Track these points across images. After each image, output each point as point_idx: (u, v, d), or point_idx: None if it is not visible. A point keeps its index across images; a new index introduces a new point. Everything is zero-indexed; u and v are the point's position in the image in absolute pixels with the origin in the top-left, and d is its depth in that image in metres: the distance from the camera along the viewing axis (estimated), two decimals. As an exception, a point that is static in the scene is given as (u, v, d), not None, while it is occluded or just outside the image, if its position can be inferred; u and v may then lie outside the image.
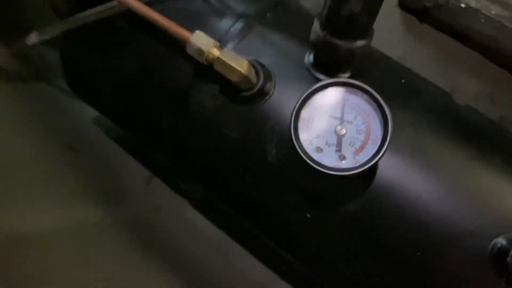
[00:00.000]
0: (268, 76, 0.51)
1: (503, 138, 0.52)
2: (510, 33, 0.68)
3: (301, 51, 0.52)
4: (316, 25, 0.47)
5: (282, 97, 0.50)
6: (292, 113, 0.43)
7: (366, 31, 0.46)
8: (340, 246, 0.50)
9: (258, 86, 0.49)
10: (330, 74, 0.50)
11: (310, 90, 0.43)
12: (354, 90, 0.43)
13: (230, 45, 0.52)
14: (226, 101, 0.51)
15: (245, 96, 0.50)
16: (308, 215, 0.49)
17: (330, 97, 0.44)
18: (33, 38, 0.59)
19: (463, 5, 0.70)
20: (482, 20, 0.69)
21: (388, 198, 0.47)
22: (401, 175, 0.47)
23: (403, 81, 0.52)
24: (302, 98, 0.43)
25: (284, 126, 0.47)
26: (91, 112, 0.68)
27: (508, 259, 0.42)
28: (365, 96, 0.43)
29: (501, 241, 0.44)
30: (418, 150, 0.48)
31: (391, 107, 0.49)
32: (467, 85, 0.75)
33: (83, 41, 0.59)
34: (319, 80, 0.50)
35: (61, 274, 0.51)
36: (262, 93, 0.50)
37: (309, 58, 0.51)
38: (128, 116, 0.61)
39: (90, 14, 0.55)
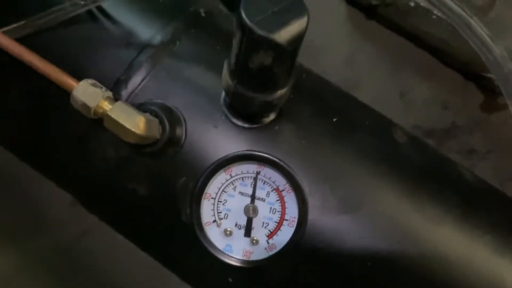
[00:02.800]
0: (178, 123, 0.43)
1: (444, 179, 0.47)
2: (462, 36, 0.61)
3: (218, 88, 0.44)
4: (225, 72, 0.39)
5: (195, 147, 0.43)
6: (192, 193, 0.36)
7: (285, 81, 0.38)
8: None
9: (164, 141, 0.41)
10: (250, 120, 0.43)
11: (213, 166, 0.36)
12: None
13: (130, 86, 0.44)
14: (131, 153, 0.44)
15: (150, 151, 0.42)
16: (230, 280, 0.44)
17: (239, 170, 0.37)
18: None
19: (412, 4, 0.62)
20: (434, 21, 0.62)
21: (320, 262, 0.41)
22: (331, 238, 0.42)
23: (335, 119, 0.45)
24: (204, 175, 0.36)
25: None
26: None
27: None
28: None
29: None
30: (351, 207, 0.42)
31: (319, 154, 0.43)
32: (418, 89, 0.69)
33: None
34: (237, 126, 0.43)
35: None
36: (171, 144, 0.43)
37: (225, 98, 0.44)
38: (27, 154, 0.52)
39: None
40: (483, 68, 0.62)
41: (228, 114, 0.43)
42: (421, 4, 0.62)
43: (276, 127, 0.43)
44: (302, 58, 0.59)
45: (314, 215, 0.41)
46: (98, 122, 0.45)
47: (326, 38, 0.70)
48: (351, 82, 0.70)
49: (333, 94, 0.49)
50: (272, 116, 0.44)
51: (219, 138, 0.42)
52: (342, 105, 0.48)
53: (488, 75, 0.62)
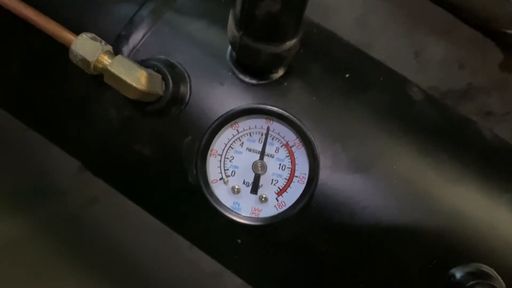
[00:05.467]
0: (182, 80, 0.41)
1: (462, 137, 0.44)
2: (483, -10, 0.58)
3: (223, 43, 0.42)
4: (231, 22, 0.37)
5: (200, 105, 0.41)
6: (198, 149, 0.34)
7: (294, 32, 0.36)
8: (277, 271, 0.44)
9: (167, 98, 0.40)
10: (258, 76, 0.41)
11: (219, 121, 0.34)
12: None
13: (132, 41, 0.42)
14: (134, 112, 0.42)
15: (154, 109, 0.40)
16: (239, 241, 0.42)
17: (246, 125, 0.35)
18: None
19: (429, -43, 0.58)
20: (451, -25, 0.58)
21: (329, 222, 0.40)
22: (343, 197, 0.40)
23: (347, 75, 0.43)
24: (210, 130, 0.34)
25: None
26: None
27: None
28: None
29: (454, 273, 0.39)
30: (363, 166, 0.40)
31: (331, 111, 0.41)
32: (433, 48, 0.66)
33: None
34: (244, 82, 0.41)
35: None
36: (175, 102, 0.41)
37: (232, 53, 0.42)
38: (30, 119, 0.51)
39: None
40: (504, 24, 0.59)
41: (235, 70, 0.41)
42: (438, -44, 0.58)
43: (285, 83, 0.41)
44: (312, 17, 0.56)
45: (325, 174, 0.39)
46: (98, 82, 0.43)
47: (338, -4, 0.67)
48: (362, 43, 0.67)
49: (345, 50, 0.47)
50: (281, 72, 0.41)
51: (226, 95, 0.40)
52: (355, 62, 0.46)
53: (510, 31, 0.58)
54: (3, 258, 0.55)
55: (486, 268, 0.38)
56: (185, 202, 0.43)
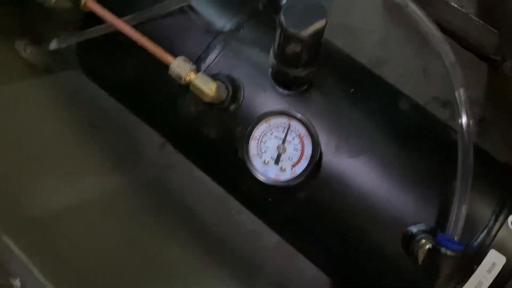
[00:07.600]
0: (238, 88, 0.62)
1: (438, 136, 0.62)
2: (476, 25, 0.75)
3: (267, 65, 0.62)
4: (271, 54, 0.57)
5: (250, 105, 0.62)
6: (244, 136, 0.55)
7: (312, 62, 0.56)
8: (296, 221, 0.64)
9: (228, 101, 0.60)
10: (289, 88, 0.61)
11: (257, 118, 0.55)
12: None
13: (208, 61, 0.63)
14: (206, 108, 0.64)
15: (219, 107, 0.61)
16: (270, 199, 0.63)
17: (275, 121, 0.55)
18: (53, 45, 0.72)
19: (434, -3, 0.75)
20: (452, 12, 0.75)
21: (331, 188, 0.59)
22: (342, 171, 0.59)
23: (352, 90, 0.62)
24: (252, 124, 0.55)
25: (250, 131, 0.60)
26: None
27: (411, 246, 0.55)
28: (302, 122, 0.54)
29: (411, 229, 0.57)
30: (356, 152, 0.59)
31: (337, 114, 0.60)
32: (438, 66, 0.82)
33: (95, 45, 0.72)
34: (279, 92, 0.61)
35: (88, 243, 0.69)
36: (233, 103, 0.62)
37: (272, 72, 0.62)
38: (132, 105, 0.74)
39: (97, 30, 0.67)
40: (491, 50, 0.76)
41: (274, 83, 0.61)
42: (441, -4, 0.75)
43: (307, 94, 0.61)
44: (343, 37, 0.76)
45: (329, 157, 0.59)
46: (185, 86, 0.65)
47: (363, 22, 0.86)
48: (383, 58, 0.85)
49: (354, 69, 0.66)
50: (305, 86, 0.61)
51: (266, 100, 0.61)
52: (360, 78, 0.65)
53: (495, 57, 0.74)
54: (100, 207, 0.78)
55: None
56: (235, 170, 0.64)
